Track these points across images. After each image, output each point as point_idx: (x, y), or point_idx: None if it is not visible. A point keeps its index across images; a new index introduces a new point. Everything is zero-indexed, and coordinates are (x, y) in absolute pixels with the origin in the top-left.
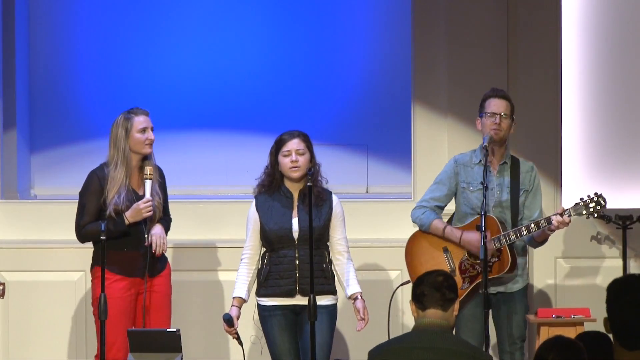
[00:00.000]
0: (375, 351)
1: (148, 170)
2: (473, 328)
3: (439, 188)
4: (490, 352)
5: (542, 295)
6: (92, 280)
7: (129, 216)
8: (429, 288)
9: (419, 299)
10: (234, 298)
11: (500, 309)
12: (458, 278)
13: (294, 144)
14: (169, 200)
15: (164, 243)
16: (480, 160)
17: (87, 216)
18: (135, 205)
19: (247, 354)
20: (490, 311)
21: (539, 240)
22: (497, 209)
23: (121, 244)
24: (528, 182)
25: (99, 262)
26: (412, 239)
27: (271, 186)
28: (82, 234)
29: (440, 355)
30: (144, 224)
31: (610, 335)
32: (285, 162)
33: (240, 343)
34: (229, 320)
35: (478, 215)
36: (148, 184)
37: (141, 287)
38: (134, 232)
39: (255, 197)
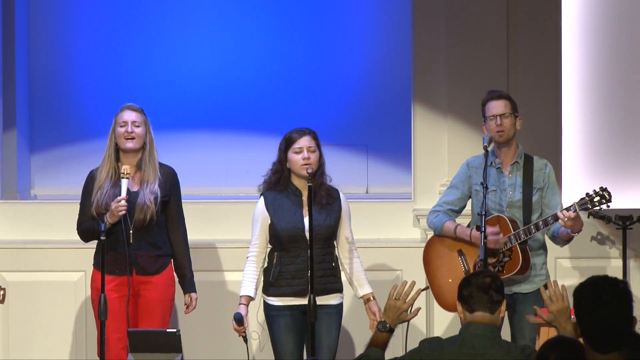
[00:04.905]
0: (427, 345)
1: (124, 169)
2: None
3: (451, 192)
4: None
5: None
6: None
7: (108, 216)
8: (476, 290)
9: (466, 301)
10: (241, 296)
11: (516, 310)
12: None
13: (306, 141)
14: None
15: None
16: (492, 163)
17: (82, 215)
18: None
19: (251, 352)
20: (507, 312)
21: (564, 239)
22: (511, 210)
23: (107, 243)
24: (542, 180)
25: (93, 264)
26: (428, 244)
27: (279, 183)
28: (79, 233)
29: None
30: (124, 223)
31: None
32: (296, 159)
33: (246, 341)
34: (240, 320)
35: (489, 217)
36: (123, 182)
37: (131, 287)
38: (116, 231)
39: (264, 195)
